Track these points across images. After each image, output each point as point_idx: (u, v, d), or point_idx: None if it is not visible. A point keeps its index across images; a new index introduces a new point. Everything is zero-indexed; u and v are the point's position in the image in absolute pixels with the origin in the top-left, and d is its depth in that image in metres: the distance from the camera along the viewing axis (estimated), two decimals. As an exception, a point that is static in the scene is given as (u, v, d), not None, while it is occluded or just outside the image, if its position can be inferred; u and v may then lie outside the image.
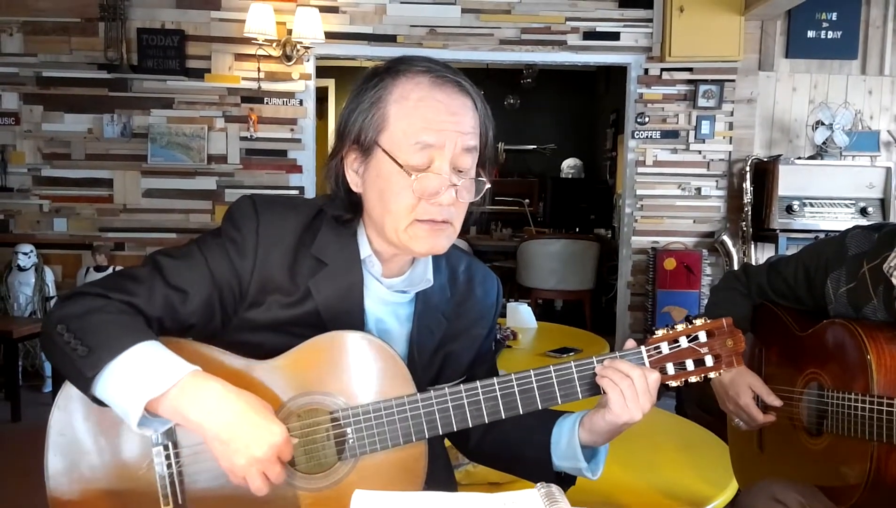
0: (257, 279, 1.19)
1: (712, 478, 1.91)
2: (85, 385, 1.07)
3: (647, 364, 1.19)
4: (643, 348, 1.20)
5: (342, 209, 1.22)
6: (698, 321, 1.20)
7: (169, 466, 1.12)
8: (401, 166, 1.13)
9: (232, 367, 1.16)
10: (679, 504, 1.80)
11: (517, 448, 1.34)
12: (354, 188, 1.21)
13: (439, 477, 1.35)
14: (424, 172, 1.13)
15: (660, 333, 1.21)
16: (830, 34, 4.96)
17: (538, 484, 1.04)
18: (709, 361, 1.19)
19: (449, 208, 1.15)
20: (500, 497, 1.03)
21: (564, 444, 1.26)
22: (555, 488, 1.03)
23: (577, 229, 7.53)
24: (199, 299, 1.17)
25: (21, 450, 3.68)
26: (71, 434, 1.16)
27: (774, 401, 1.60)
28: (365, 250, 1.23)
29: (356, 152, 1.18)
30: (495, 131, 1.23)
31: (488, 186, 1.20)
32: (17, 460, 3.55)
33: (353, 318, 1.21)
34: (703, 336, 1.20)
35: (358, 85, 1.20)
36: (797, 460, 1.60)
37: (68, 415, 1.16)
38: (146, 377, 1.04)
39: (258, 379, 1.16)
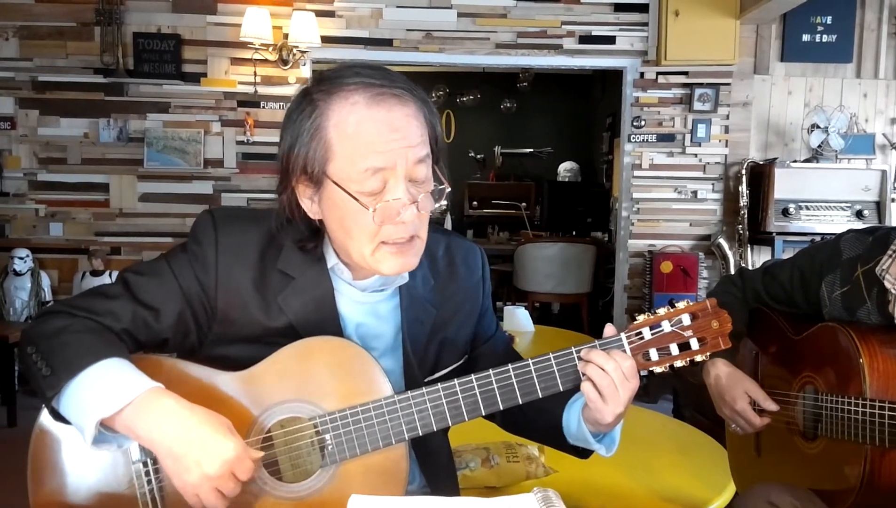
0: (223, 295, 1.18)
1: (709, 481, 1.92)
2: (48, 404, 1.08)
3: (628, 351, 1.16)
4: (623, 334, 1.17)
5: (302, 237, 1.19)
6: (681, 304, 1.17)
7: (149, 482, 1.12)
8: (355, 198, 1.09)
9: (209, 380, 1.16)
10: (676, 507, 1.80)
11: (536, 427, 1.34)
12: (313, 216, 1.17)
13: (443, 479, 1.34)
14: (382, 201, 1.09)
15: (641, 318, 1.17)
16: (825, 38, 4.98)
17: (535, 489, 1.04)
18: (694, 344, 1.16)
19: (413, 223, 1.12)
20: (497, 501, 1.03)
21: (574, 430, 1.25)
22: (551, 492, 1.03)
23: (574, 233, 7.53)
24: (171, 316, 1.17)
25: (17, 454, 3.66)
26: (53, 449, 1.16)
27: (771, 406, 1.60)
28: (332, 260, 1.21)
29: (306, 183, 1.14)
30: (440, 120, 1.18)
31: (448, 189, 1.16)
32: (12, 464, 3.53)
33: (329, 327, 1.20)
34: (686, 319, 1.16)
35: (291, 111, 1.14)
36: (793, 464, 1.61)
37: (50, 431, 1.16)
38: (101, 396, 1.04)
39: (236, 390, 1.15)
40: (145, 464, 1.12)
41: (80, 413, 1.05)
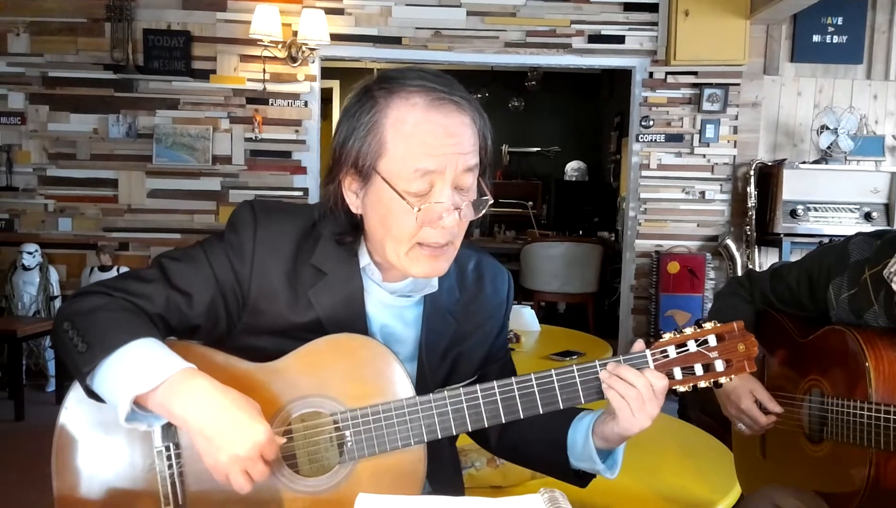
0: (256, 285, 1.20)
1: (715, 483, 1.92)
2: (82, 380, 1.10)
3: (653, 368, 1.17)
4: (648, 351, 1.18)
5: (342, 230, 1.22)
6: (708, 325, 1.18)
7: (170, 466, 1.14)
8: (402, 196, 1.11)
9: (234, 369, 1.17)
10: (680, 508, 1.80)
11: (535, 447, 1.34)
12: (354, 210, 1.19)
13: (447, 480, 1.35)
14: (427, 203, 1.11)
15: (667, 336, 1.18)
16: (836, 38, 4.96)
17: (541, 490, 1.04)
18: (719, 366, 1.17)
19: (452, 229, 1.14)
20: (504, 501, 1.03)
21: (580, 447, 1.26)
22: (558, 493, 1.03)
23: (581, 232, 7.53)
24: (204, 303, 1.19)
25: (24, 448, 3.70)
26: (78, 434, 1.18)
27: (775, 408, 1.60)
28: (364, 260, 1.23)
29: (354, 176, 1.16)
30: (494, 135, 1.20)
31: (490, 201, 1.17)
32: (20, 458, 3.57)
33: (356, 325, 1.22)
34: (712, 340, 1.17)
35: (351, 105, 1.16)
36: (799, 466, 1.61)
37: (76, 415, 1.18)
38: (136, 373, 1.06)
39: (260, 382, 1.17)
40: (167, 448, 1.14)
41: (115, 390, 1.07)
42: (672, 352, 1.17)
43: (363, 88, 1.17)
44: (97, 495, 1.17)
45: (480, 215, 1.16)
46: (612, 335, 5.32)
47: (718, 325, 1.18)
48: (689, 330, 1.18)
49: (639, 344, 1.20)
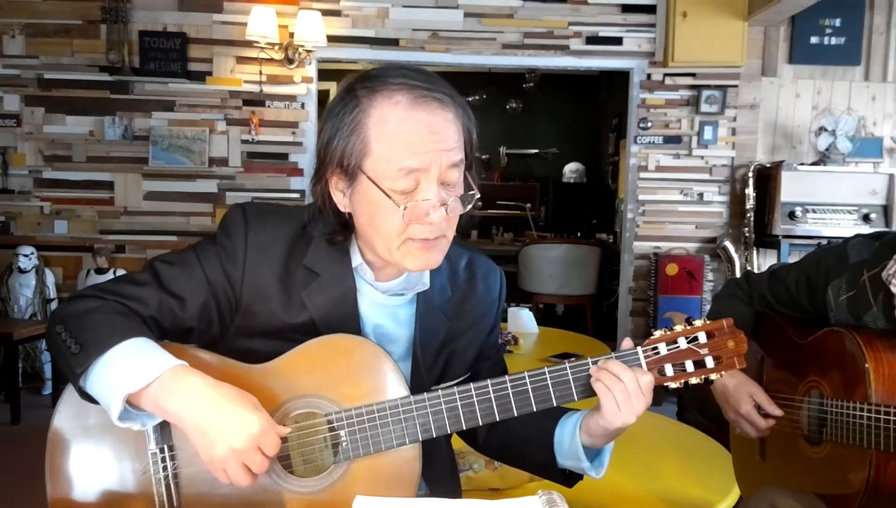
0: (248, 288, 1.20)
1: (713, 485, 1.91)
2: (75, 382, 1.10)
3: (644, 365, 1.18)
4: (640, 348, 1.19)
5: (333, 230, 1.21)
6: (698, 323, 1.19)
7: (164, 469, 1.14)
8: (387, 195, 1.11)
9: (229, 371, 1.17)
10: (679, 511, 1.79)
11: (523, 445, 1.34)
12: (342, 209, 1.19)
13: (444, 482, 1.35)
14: (413, 200, 1.11)
15: (658, 334, 1.20)
16: (834, 40, 4.96)
17: (539, 491, 1.04)
18: (709, 362, 1.18)
19: (440, 224, 1.14)
20: (501, 503, 1.03)
21: (567, 445, 1.26)
22: (556, 495, 1.02)
23: (579, 234, 7.53)
24: (196, 306, 1.19)
25: (20, 452, 3.68)
26: (72, 438, 1.18)
27: (775, 411, 1.59)
28: (356, 259, 1.23)
29: (340, 175, 1.16)
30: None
31: (478, 195, 1.17)
32: (16, 461, 3.55)
33: (349, 326, 1.21)
34: (702, 337, 1.19)
35: (334, 105, 1.16)
36: (798, 468, 1.60)
37: (69, 419, 1.18)
38: (129, 372, 1.06)
39: (254, 383, 1.16)
40: (162, 451, 1.14)
41: (108, 389, 1.06)
42: (663, 349, 1.19)
43: (346, 88, 1.16)
44: (91, 498, 1.16)
45: (468, 209, 1.16)
46: (610, 337, 5.31)
47: (708, 322, 1.19)
48: (679, 328, 1.20)
49: (626, 342, 1.21)
